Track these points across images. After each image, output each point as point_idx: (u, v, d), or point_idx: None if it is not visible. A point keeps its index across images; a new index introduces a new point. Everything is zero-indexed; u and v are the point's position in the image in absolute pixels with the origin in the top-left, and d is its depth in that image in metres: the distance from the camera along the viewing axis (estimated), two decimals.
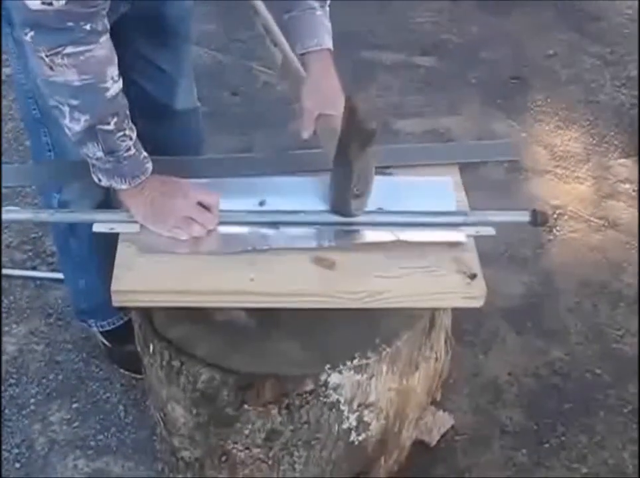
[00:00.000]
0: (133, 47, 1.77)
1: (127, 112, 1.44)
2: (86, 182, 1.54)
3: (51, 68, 1.33)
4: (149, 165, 1.50)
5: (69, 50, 1.30)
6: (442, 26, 3.61)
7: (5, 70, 3.21)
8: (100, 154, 1.43)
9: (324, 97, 1.59)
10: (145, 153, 1.49)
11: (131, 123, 1.45)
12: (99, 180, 1.50)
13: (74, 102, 1.37)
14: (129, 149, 1.44)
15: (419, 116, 3.07)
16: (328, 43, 1.61)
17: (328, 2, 1.63)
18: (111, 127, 1.40)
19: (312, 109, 1.58)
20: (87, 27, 1.30)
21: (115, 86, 1.39)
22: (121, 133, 1.42)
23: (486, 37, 3.54)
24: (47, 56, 1.31)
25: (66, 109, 1.38)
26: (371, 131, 1.41)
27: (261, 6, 1.77)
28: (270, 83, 3.23)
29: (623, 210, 2.69)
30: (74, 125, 1.40)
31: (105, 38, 1.35)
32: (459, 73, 3.32)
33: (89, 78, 1.34)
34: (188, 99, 1.94)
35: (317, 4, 1.60)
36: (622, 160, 2.90)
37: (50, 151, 1.75)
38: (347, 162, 1.46)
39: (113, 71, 1.38)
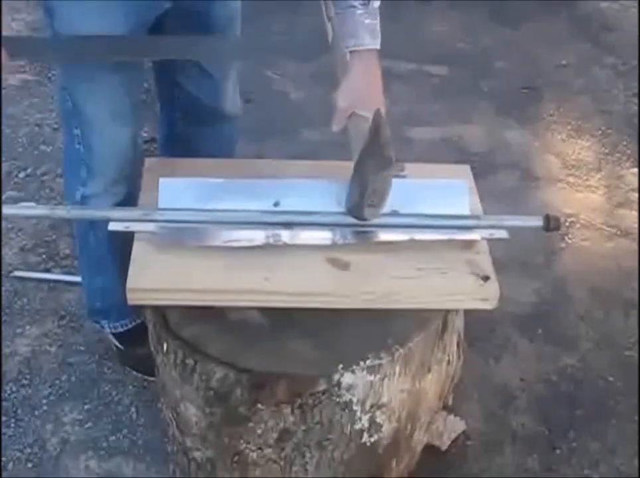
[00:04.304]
0: None
1: None
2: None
3: None
4: None
5: None
6: (455, 36, 3.62)
7: (20, 77, 3.26)
8: None
9: (358, 97, 1.57)
10: None
11: None
12: None
13: None
14: None
15: (431, 124, 3.08)
16: (370, 43, 1.56)
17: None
18: None
19: (344, 108, 1.56)
20: None
21: None
22: None
23: (499, 47, 3.55)
24: None
25: None
26: (389, 158, 1.43)
27: None
28: (283, 91, 3.25)
29: (634, 218, 2.69)
30: None
31: None
32: (471, 82, 3.33)
33: None
34: (233, 104, 1.95)
35: (357, 3, 1.54)
36: (634, 170, 2.90)
37: (79, 143, 1.77)
38: (364, 175, 1.48)
39: None
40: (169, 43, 1.68)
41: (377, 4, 1.56)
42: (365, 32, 1.56)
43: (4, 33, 1.50)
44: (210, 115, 1.90)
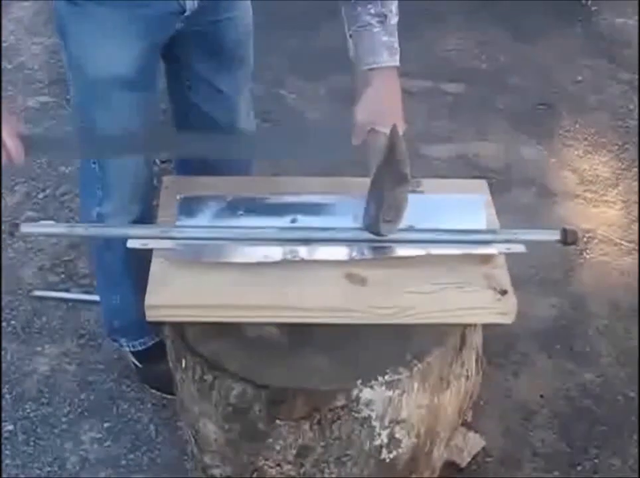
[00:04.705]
0: (192, 68, 1.81)
1: None
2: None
3: None
4: None
5: None
6: (470, 54, 3.63)
7: (40, 99, 3.29)
8: None
9: (377, 113, 1.56)
10: None
11: None
12: None
13: None
14: None
15: (447, 142, 3.09)
16: (388, 61, 1.55)
17: (392, 16, 1.55)
18: None
19: (362, 123, 1.56)
20: None
21: None
22: None
23: (514, 64, 3.55)
24: None
25: None
26: (404, 174, 1.44)
27: None
28: (300, 110, 3.26)
29: None
30: None
31: None
32: (487, 99, 3.33)
33: None
34: (248, 121, 1.96)
35: (374, 21, 1.54)
36: None
37: (94, 162, 1.80)
38: (380, 191, 1.48)
39: None
40: (190, 140, 1.67)
41: (394, 21, 1.56)
42: (383, 49, 1.55)
43: (24, 132, 1.54)
44: (224, 132, 1.92)
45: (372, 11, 1.54)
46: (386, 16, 1.55)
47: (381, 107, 1.57)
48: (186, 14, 1.66)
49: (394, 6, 1.56)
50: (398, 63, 1.56)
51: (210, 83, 1.84)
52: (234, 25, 1.78)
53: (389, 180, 1.46)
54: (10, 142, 1.51)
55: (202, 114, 1.87)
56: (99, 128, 1.73)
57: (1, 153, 1.52)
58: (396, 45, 1.56)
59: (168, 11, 1.64)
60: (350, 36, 1.58)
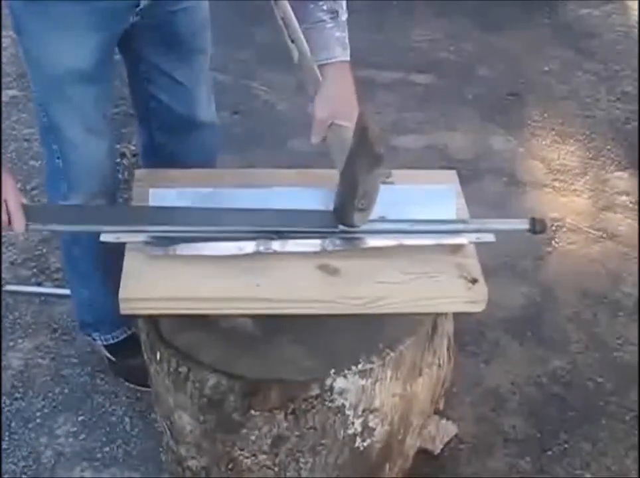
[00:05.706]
0: (149, 60, 1.81)
1: None
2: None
3: None
4: None
5: None
6: (439, 45, 3.66)
7: (8, 92, 3.27)
8: None
9: (336, 107, 1.59)
10: None
11: None
12: None
13: None
14: None
15: (417, 132, 3.11)
16: (341, 56, 1.60)
17: (342, 12, 1.61)
18: None
19: (322, 118, 1.59)
20: None
21: None
22: None
23: (483, 55, 3.59)
24: None
25: None
26: (379, 155, 1.44)
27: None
28: (270, 102, 3.27)
29: (620, 221, 2.72)
30: None
31: None
32: (456, 90, 3.36)
33: None
34: (208, 112, 1.96)
35: (326, 17, 1.59)
36: (618, 173, 2.93)
37: (58, 158, 1.79)
38: (354, 179, 1.48)
39: None
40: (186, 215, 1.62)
41: (345, 17, 1.61)
42: (336, 44, 1.60)
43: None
44: (185, 123, 1.92)
45: (325, 7, 1.59)
46: (337, 12, 1.60)
47: (339, 101, 1.60)
48: (140, 7, 1.65)
49: (344, 4, 1.61)
50: (349, 57, 1.61)
51: (168, 75, 1.83)
52: (189, 16, 1.78)
53: (363, 164, 1.45)
54: (14, 208, 1.48)
55: (162, 105, 1.87)
56: (57, 122, 1.73)
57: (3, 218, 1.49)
58: (347, 41, 1.61)
59: (122, 4, 1.64)
60: (293, 41, 1.62)
